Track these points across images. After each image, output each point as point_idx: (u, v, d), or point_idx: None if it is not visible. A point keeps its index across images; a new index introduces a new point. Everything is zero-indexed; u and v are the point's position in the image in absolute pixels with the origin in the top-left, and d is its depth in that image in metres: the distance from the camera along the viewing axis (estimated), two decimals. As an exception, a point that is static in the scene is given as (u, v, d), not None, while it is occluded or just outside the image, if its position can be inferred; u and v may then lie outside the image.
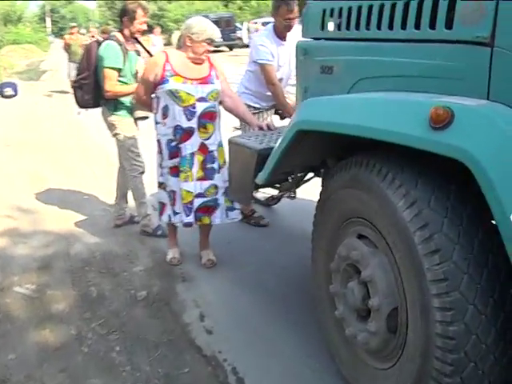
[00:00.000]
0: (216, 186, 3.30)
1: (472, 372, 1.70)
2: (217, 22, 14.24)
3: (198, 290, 3.24)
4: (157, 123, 3.30)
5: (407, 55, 2.06)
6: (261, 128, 3.10)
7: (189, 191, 3.25)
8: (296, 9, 3.66)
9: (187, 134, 3.19)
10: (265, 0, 32.75)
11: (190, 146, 3.21)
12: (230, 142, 2.80)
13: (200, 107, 3.17)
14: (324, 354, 2.47)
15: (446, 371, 1.70)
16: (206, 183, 3.27)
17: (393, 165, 1.94)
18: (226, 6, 39.20)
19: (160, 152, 3.33)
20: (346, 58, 2.41)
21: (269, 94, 3.87)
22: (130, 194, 4.12)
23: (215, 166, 3.30)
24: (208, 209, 3.30)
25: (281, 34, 3.77)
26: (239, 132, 3.87)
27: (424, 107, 1.71)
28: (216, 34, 3.16)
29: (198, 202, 3.27)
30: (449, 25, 1.86)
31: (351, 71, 2.37)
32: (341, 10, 2.45)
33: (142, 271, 3.49)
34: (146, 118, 3.90)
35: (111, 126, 3.93)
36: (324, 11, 2.58)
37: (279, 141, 2.32)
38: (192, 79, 3.17)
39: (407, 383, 1.87)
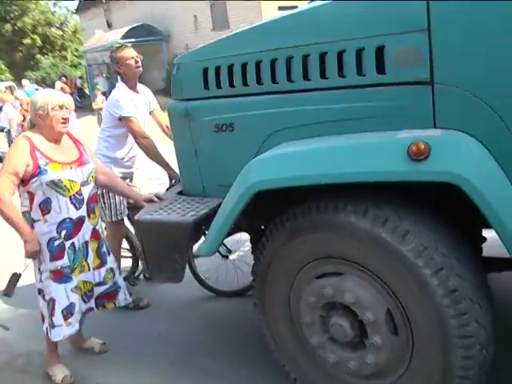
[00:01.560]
0: (112, 269, 3.05)
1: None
2: None
3: None
4: (34, 221, 2.78)
5: (333, 101, 2.21)
6: (150, 200, 2.83)
7: (87, 281, 2.92)
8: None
9: (78, 224, 2.82)
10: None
11: (81, 237, 2.84)
12: (142, 221, 2.49)
13: (86, 192, 2.84)
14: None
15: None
16: (103, 270, 2.99)
17: (363, 202, 2.04)
18: None
19: (39, 253, 2.78)
20: (254, 112, 2.41)
21: (132, 156, 3.60)
22: None
23: (105, 248, 3.04)
24: (111, 295, 3.05)
25: (133, 84, 3.57)
26: None
27: (400, 144, 1.88)
28: (62, 98, 2.83)
29: (98, 290, 2.99)
30: (380, 70, 2.07)
31: (264, 125, 2.38)
32: (231, 66, 2.45)
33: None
34: None
35: None
36: (205, 70, 2.54)
37: (226, 205, 2.20)
38: (69, 163, 2.79)
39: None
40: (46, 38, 33.10)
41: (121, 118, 3.45)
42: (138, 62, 3.53)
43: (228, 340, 3.19)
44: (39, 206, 2.74)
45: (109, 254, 3.05)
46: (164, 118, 3.56)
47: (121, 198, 3.53)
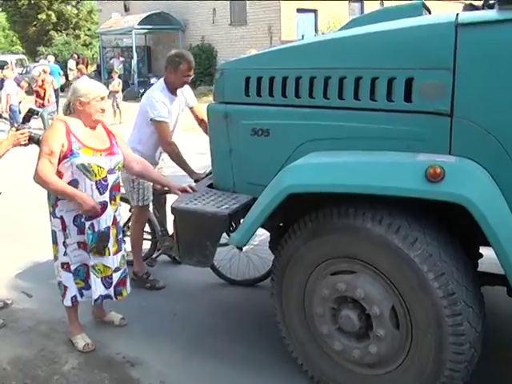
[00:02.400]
0: (124, 256, 3.28)
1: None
2: None
3: (154, 369, 3.03)
4: (58, 199, 3.01)
5: (362, 120, 2.51)
6: (184, 190, 3.12)
7: (107, 266, 3.13)
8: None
9: (101, 209, 3.04)
10: None
11: (104, 221, 3.07)
12: (179, 209, 2.79)
13: (111, 179, 3.07)
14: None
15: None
16: (119, 255, 3.22)
17: (379, 211, 2.34)
18: None
19: (63, 229, 3.05)
20: (289, 122, 2.70)
21: (156, 158, 3.83)
22: None
23: (121, 234, 3.29)
24: (124, 281, 3.27)
25: (174, 89, 3.75)
26: None
27: (419, 166, 2.18)
28: (104, 89, 3.08)
29: (116, 276, 3.20)
30: (407, 99, 2.37)
31: (297, 134, 2.68)
32: (272, 78, 2.74)
33: (75, 369, 3.06)
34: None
35: None
36: (247, 78, 2.83)
37: (261, 203, 2.49)
38: (99, 150, 3.03)
39: (427, 362, 2.30)
40: (61, 15, 33.18)
41: (151, 119, 3.66)
42: (189, 79, 3.75)
43: (239, 324, 3.48)
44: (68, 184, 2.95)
45: (124, 242, 3.30)
46: (203, 113, 3.79)
47: (149, 184, 3.80)
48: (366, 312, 2.41)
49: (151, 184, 3.81)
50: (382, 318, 2.35)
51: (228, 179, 3.01)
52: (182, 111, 4.00)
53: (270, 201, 2.44)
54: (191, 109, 4.03)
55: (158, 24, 22.00)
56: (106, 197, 3.05)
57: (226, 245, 3.37)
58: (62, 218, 3.02)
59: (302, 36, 17.56)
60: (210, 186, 3.18)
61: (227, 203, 2.76)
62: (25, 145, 3.25)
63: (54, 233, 3.09)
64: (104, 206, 3.05)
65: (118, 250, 3.20)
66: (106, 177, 3.03)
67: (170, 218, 3.92)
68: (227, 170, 3.00)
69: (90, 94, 2.97)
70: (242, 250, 3.95)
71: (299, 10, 19.52)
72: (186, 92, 3.96)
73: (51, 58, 17.69)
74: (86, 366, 3.08)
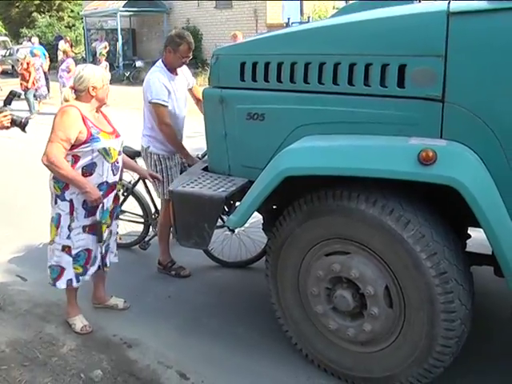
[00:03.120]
0: (111, 231, 3.35)
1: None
2: None
3: (151, 350, 3.09)
4: None
5: (356, 106, 2.57)
6: (154, 177, 3.48)
7: (104, 240, 3.24)
8: None
9: (111, 188, 3.17)
10: None
11: (111, 199, 3.20)
12: (176, 192, 2.83)
13: (120, 161, 3.24)
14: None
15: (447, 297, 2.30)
16: (108, 230, 3.30)
17: (373, 193, 2.42)
18: None
19: (71, 212, 3.08)
20: (284, 106, 2.75)
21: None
22: None
23: (116, 213, 3.40)
24: (106, 254, 3.35)
25: (173, 69, 3.77)
26: None
27: (412, 150, 2.25)
28: (108, 75, 3.19)
29: (105, 248, 3.31)
30: (400, 84, 2.43)
31: (292, 118, 2.73)
32: (268, 64, 2.79)
33: (73, 351, 3.11)
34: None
35: None
36: (243, 63, 2.87)
37: (258, 186, 2.55)
38: (110, 133, 3.14)
39: (418, 343, 2.40)
40: (44, -4, 32.64)
41: (149, 102, 3.67)
42: (187, 60, 3.77)
43: (233, 305, 3.57)
44: (82, 168, 3.02)
45: (116, 218, 3.40)
46: (200, 93, 3.75)
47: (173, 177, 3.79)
48: (360, 291, 2.50)
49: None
50: (376, 297, 2.44)
51: (223, 163, 3.07)
52: (189, 87, 4.00)
53: (267, 183, 2.50)
54: (190, 89, 4.03)
55: (143, 6, 21.74)
56: (117, 177, 3.20)
57: (221, 227, 3.42)
58: (71, 200, 3.05)
59: (288, 19, 17.46)
60: (205, 169, 3.23)
61: (223, 186, 2.82)
62: (7, 127, 3.19)
63: (58, 215, 3.11)
64: (114, 186, 3.18)
65: (110, 225, 3.28)
66: (117, 159, 3.15)
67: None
68: (222, 154, 3.05)
69: (103, 80, 3.08)
70: (234, 232, 4.02)
71: (286, -7, 19.42)
72: (185, 72, 3.96)
73: (35, 40, 17.38)
74: (83, 347, 3.14)
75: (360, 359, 2.63)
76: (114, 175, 3.16)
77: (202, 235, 2.80)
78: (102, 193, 3.08)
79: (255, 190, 2.57)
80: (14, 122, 3.15)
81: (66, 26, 31.76)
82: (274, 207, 3.19)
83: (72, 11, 33.69)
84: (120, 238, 4.04)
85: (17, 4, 31.90)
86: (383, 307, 2.45)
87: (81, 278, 3.21)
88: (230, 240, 4.14)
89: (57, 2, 32.84)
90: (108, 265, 3.37)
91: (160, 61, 3.80)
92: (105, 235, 3.21)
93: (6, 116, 3.09)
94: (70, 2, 33.43)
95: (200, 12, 20.95)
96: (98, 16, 23.93)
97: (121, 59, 21.49)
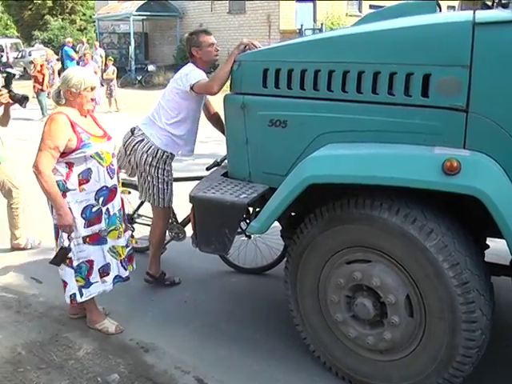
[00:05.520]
0: (132, 235, 3.44)
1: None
2: None
3: (168, 355, 3.09)
4: (68, 189, 2.99)
5: (379, 114, 2.57)
6: None
7: (123, 246, 3.24)
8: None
9: (113, 192, 3.15)
10: None
11: (117, 203, 3.18)
12: (197, 198, 2.85)
13: (115, 163, 3.21)
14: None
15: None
16: (128, 233, 3.34)
17: (395, 202, 2.42)
18: None
19: None
20: (307, 114, 2.76)
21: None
22: None
23: (125, 215, 3.42)
24: (131, 256, 3.39)
25: (205, 70, 3.50)
26: None
27: (436, 159, 2.26)
28: (95, 79, 3.06)
29: (126, 252, 3.31)
30: (424, 94, 2.43)
31: (315, 126, 2.74)
32: (291, 71, 2.80)
33: (89, 354, 3.12)
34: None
35: None
36: (266, 70, 2.88)
37: (281, 192, 2.56)
38: (101, 137, 3.11)
39: (438, 352, 2.39)
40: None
41: (191, 88, 3.36)
42: (217, 50, 3.57)
43: (249, 310, 3.57)
44: (78, 176, 2.97)
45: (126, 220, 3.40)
46: (213, 106, 3.81)
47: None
48: (381, 300, 2.50)
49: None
50: (397, 305, 2.44)
51: (244, 169, 3.08)
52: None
53: (291, 190, 2.50)
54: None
55: (156, 11, 21.90)
56: (115, 180, 3.16)
57: (240, 233, 3.43)
58: (69, 209, 2.97)
59: (301, 25, 17.55)
60: (224, 174, 3.25)
61: (245, 192, 2.83)
62: (7, 103, 3.41)
63: (56, 225, 3.04)
64: (115, 189, 3.16)
65: (126, 229, 3.33)
66: (112, 161, 3.13)
67: (177, 207, 4.02)
68: (243, 160, 3.06)
69: (82, 85, 2.96)
70: (250, 237, 4.02)
71: (298, 0, 19.49)
72: None
73: (70, 39, 17.46)
74: (100, 351, 3.14)
75: (379, 367, 2.63)
76: (112, 178, 3.12)
77: (222, 241, 2.80)
78: (102, 199, 3.06)
79: (278, 197, 2.58)
80: (12, 98, 3.47)
81: (78, 29, 32.02)
82: (293, 214, 3.20)
83: (84, 14, 33.95)
84: (136, 242, 4.05)
85: (29, 6, 32.12)
86: (404, 316, 2.45)
87: (84, 291, 3.15)
88: (246, 246, 4.15)
89: (69, 5, 33.08)
90: (132, 268, 3.40)
91: (191, 63, 3.55)
92: (124, 239, 3.23)
93: (2, 95, 3.49)
94: (82, 6, 33.68)
95: (213, 17, 21.05)
96: (110, 20, 24.10)
97: (133, 63, 21.61)
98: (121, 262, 3.26)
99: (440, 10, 3.11)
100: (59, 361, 3.06)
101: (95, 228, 3.08)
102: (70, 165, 2.97)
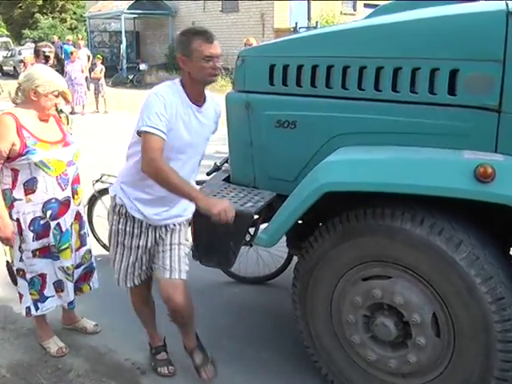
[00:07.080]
0: (90, 251, 3.12)
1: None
2: None
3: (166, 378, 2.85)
4: (15, 199, 2.74)
5: (400, 114, 2.34)
6: None
7: (71, 266, 2.95)
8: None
9: (65, 205, 2.84)
10: None
11: (68, 218, 2.88)
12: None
13: (71, 173, 2.85)
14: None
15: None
16: (82, 250, 3.06)
17: (419, 211, 2.19)
18: None
19: (20, 233, 2.78)
20: (320, 114, 2.52)
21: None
22: None
23: (85, 229, 3.10)
24: (86, 275, 3.12)
25: (194, 92, 2.36)
26: None
27: (467, 165, 2.02)
28: (64, 83, 2.82)
29: (77, 272, 3.04)
30: (451, 91, 2.20)
31: (328, 127, 2.50)
32: (301, 67, 2.56)
33: (81, 376, 2.85)
34: None
35: None
36: (272, 66, 2.64)
37: (292, 201, 2.31)
38: (55, 142, 2.79)
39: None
40: (47, -3, 32.48)
41: (137, 132, 2.29)
42: (215, 68, 2.29)
43: (254, 325, 3.32)
44: (23, 185, 2.72)
45: (88, 235, 3.12)
46: None
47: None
48: (404, 319, 2.26)
49: None
50: (423, 325, 2.21)
51: (248, 173, 2.83)
52: (212, 134, 2.61)
53: (304, 200, 2.26)
54: None
55: (147, 9, 21.60)
56: (68, 192, 2.84)
57: (244, 245, 3.17)
58: (18, 220, 2.76)
59: (296, 24, 17.33)
60: (226, 179, 3.00)
61: (250, 200, 2.58)
62: None
63: None
64: (67, 202, 2.85)
65: (82, 246, 3.03)
66: (65, 170, 2.80)
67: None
68: (247, 164, 2.82)
69: (50, 87, 2.70)
70: (251, 246, 3.77)
71: (293, -5, 19.26)
72: (216, 107, 2.55)
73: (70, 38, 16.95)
74: (92, 373, 2.88)
75: None
76: (64, 190, 2.80)
77: (226, 254, 2.55)
78: (50, 212, 2.78)
79: (289, 207, 2.33)
80: None
81: (68, 28, 31.65)
82: (299, 222, 2.95)
83: (75, 13, 33.57)
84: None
85: (19, 5, 31.75)
86: (430, 336, 2.22)
87: (40, 305, 2.93)
88: (247, 254, 3.89)
89: (60, 4, 32.70)
90: (91, 288, 3.17)
91: (178, 80, 2.41)
92: (72, 259, 2.94)
93: None
94: (73, 4, 33.32)
95: (205, 15, 20.78)
96: (102, 18, 23.77)
97: (124, 62, 21.30)
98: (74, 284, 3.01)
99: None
100: (47, 384, 2.80)
101: (44, 241, 2.83)
102: (15, 172, 2.71)
